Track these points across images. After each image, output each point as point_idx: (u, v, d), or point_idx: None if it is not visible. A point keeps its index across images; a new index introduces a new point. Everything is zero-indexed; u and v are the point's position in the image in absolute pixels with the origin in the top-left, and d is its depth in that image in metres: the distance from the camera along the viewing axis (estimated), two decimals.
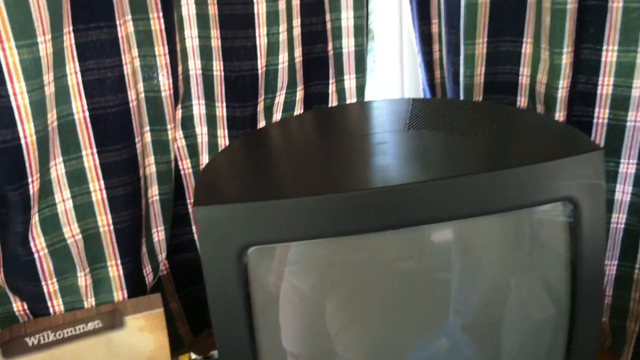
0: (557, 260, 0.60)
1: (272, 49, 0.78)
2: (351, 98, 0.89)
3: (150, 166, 0.75)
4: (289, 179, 0.57)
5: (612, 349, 0.82)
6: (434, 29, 0.91)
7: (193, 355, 0.73)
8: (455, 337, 0.63)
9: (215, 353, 0.74)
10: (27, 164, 0.62)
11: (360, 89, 0.90)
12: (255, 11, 0.75)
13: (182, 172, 0.82)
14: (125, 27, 0.67)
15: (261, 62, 0.78)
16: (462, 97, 0.83)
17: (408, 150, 0.61)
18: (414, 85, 1.04)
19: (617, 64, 0.72)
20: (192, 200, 0.84)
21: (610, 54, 0.72)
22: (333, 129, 0.70)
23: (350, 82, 0.88)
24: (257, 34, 0.76)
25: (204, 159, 0.82)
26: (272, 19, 0.77)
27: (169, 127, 0.73)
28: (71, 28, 0.64)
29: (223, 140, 0.80)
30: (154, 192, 0.76)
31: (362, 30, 0.86)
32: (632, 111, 0.72)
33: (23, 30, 0.57)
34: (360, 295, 0.59)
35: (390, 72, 1.05)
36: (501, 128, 0.64)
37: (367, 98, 0.92)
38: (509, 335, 0.63)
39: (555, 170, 0.55)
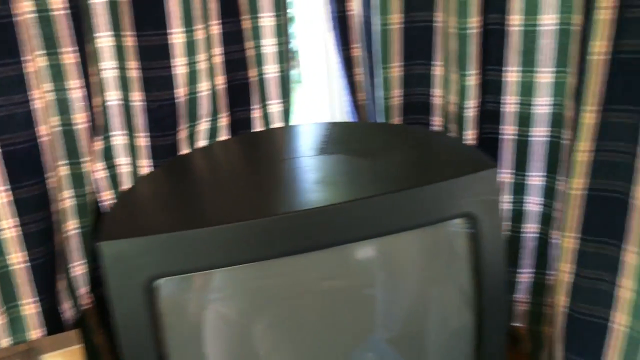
0: (464, 270, 0.63)
1: (193, 77, 0.80)
2: (277, 123, 0.92)
3: (66, 200, 0.75)
4: (200, 207, 0.59)
5: (531, 354, 0.86)
6: (355, 52, 0.95)
7: None
8: (382, 350, 0.65)
9: None
10: None
11: (286, 114, 0.92)
12: (173, 42, 0.77)
13: (103, 204, 0.82)
14: (35, 63, 0.68)
15: (181, 91, 0.80)
16: (382, 118, 0.87)
17: (321, 175, 0.64)
18: (343, 107, 1.08)
19: (518, 84, 0.77)
20: None
21: (512, 75, 0.77)
22: (249, 155, 0.72)
23: (275, 107, 0.91)
24: (176, 64, 0.78)
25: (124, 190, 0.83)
26: (191, 48, 0.79)
27: (85, 159, 0.74)
28: None
29: (145, 170, 0.81)
30: (71, 226, 0.76)
31: (284, 56, 0.89)
32: (535, 127, 0.77)
33: None
34: (287, 317, 0.61)
35: (318, 95, 1.08)
36: (409, 150, 0.68)
37: (295, 122, 0.95)
38: (430, 344, 0.66)
39: (453, 188, 0.59)
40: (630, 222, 0.68)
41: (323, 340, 0.63)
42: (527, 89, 0.76)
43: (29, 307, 0.71)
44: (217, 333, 0.60)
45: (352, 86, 0.97)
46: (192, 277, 0.56)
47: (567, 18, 0.70)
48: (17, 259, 0.70)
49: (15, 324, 0.71)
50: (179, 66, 0.79)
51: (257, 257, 0.56)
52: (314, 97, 1.09)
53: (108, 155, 0.80)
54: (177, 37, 0.78)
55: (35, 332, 0.70)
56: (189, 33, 0.79)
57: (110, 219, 0.57)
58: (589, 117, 0.66)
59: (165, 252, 0.53)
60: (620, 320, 0.72)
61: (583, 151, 0.68)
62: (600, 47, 0.63)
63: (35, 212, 0.69)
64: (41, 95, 0.69)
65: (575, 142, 0.68)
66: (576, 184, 0.69)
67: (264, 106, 0.91)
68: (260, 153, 0.73)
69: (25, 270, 0.70)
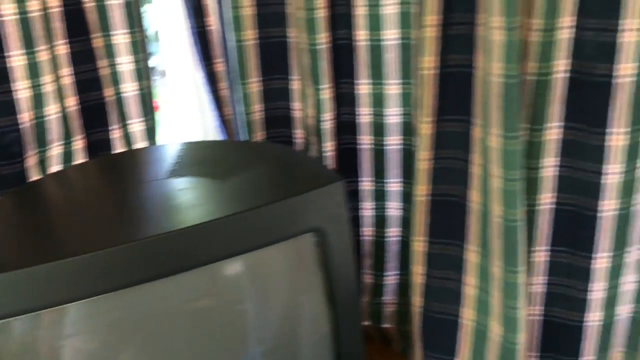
0: (317, 281, 0.66)
1: (38, 100, 0.77)
2: (140, 142, 0.91)
3: None
4: (47, 239, 0.57)
5: (402, 353, 0.92)
6: (219, 67, 0.96)
7: None
8: None
9: None
10: None
11: (150, 132, 0.91)
12: (13, 65, 0.74)
13: None
14: None
15: (26, 116, 0.77)
16: (245, 133, 0.89)
17: (175, 198, 0.64)
18: (212, 123, 1.08)
19: (370, 96, 0.82)
20: None
21: (364, 87, 0.82)
22: (103, 180, 0.71)
23: (136, 127, 0.90)
24: (17, 88, 0.75)
25: None
26: (34, 70, 0.76)
27: None
28: None
29: None
30: None
31: (143, 74, 0.88)
32: (389, 136, 0.83)
33: None
34: (154, 344, 0.60)
35: (187, 112, 1.08)
36: (260, 168, 0.70)
37: (162, 140, 0.94)
38: (297, 354, 0.69)
39: (300, 203, 0.62)
40: (469, 223, 0.75)
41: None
42: (378, 100, 0.81)
43: None
44: None
45: (218, 101, 0.98)
46: (41, 316, 0.54)
47: (406, 33, 0.76)
48: None
49: None
50: (21, 90, 0.76)
51: (110, 288, 0.55)
52: (183, 114, 1.08)
53: None
54: (16, 59, 0.75)
55: None
56: (31, 55, 0.76)
57: None
58: (426, 128, 0.72)
59: (9, 291, 0.51)
60: (468, 316, 0.79)
61: (424, 160, 0.74)
62: (429, 62, 0.69)
63: None
64: None
65: (418, 151, 0.74)
66: (420, 190, 0.75)
67: (124, 126, 0.89)
68: (114, 177, 0.72)
69: None
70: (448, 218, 0.75)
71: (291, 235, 0.62)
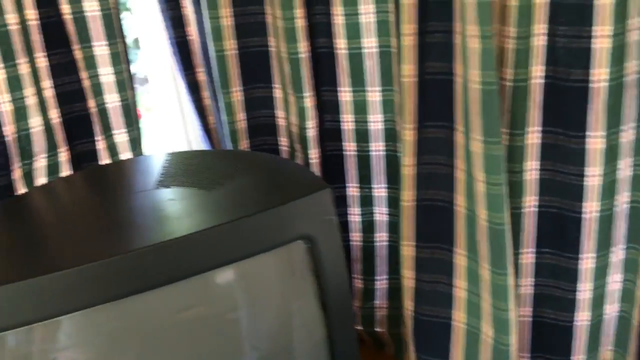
0: (309, 287, 0.68)
1: (20, 114, 0.78)
2: (125, 153, 0.92)
3: None
4: (36, 253, 0.58)
5: (395, 357, 0.94)
6: (201, 76, 0.97)
7: None
8: None
9: None
10: None
11: (134, 143, 0.93)
12: None
13: None
14: None
15: (9, 129, 0.78)
16: (229, 142, 0.90)
17: (163, 209, 0.66)
18: (196, 132, 1.10)
19: (352, 103, 0.83)
20: None
21: (346, 94, 0.84)
22: (90, 192, 0.72)
23: (121, 137, 0.91)
24: None
25: None
26: (14, 84, 0.77)
27: None
28: None
29: None
30: None
31: (126, 84, 0.89)
32: (372, 142, 0.85)
33: None
34: (150, 353, 0.62)
35: (171, 121, 1.09)
36: (248, 177, 0.72)
37: (146, 150, 0.95)
38: (297, 359, 0.70)
39: (288, 211, 0.64)
40: (456, 227, 0.77)
41: None
42: (360, 107, 0.83)
43: None
44: None
45: (201, 110, 0.99)
46: (34, 329, 0.56)
47: (385, 41, 0.78)
48: None
49: None
50: (4, 103, 0.77)
51: (101, 300, 0.57)
52: (166, 124, 1.10)
53: None
54: None
55: None
56: (10, 68, 0.77)
57: None
58: (409, 134, 0.74)
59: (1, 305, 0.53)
60: (459, 318, 0.81)
61: (408, 165, 0.76)
62: (409, 70, 0.71)
63: None
64: None
65: (402, 157, 0.76)
66: (406, 196, 0.77)
67: (108, 136, 0.91)
68: (101, 189, 0.73)
69: None
70: (435, 222, 0.77)
71: (281, 243, 0.63)
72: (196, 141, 1.08)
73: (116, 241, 0.60)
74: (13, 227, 0.65)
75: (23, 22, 0.78)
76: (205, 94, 0.98)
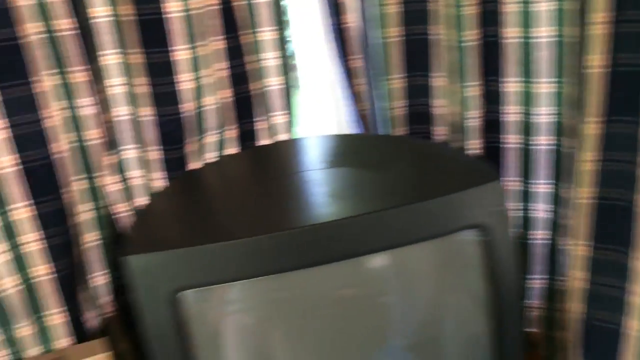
0: (477, 279, 0.69)
1: (199, 92, 0.86)
2: (282, 134, 0.97)
3: (83, 214, 0.81)
4: (220, 221, 0.64)
5: (549, 358, 0.92)
6: (357, 63, 1.01)
7: None
8: (400, 358, 0.71)
9: None
10: None
11: (290, 125, 0.98)
12: (177, 59, 0.83)
13: (118, 216, 0.87)
14: (44, 83, 0.74)
15: (188, 105, 0.86)
16: (386, 129, 0.93)
17: (331, 188, 0.70)
18: (345, 118, 1.14)
19: (519, 94, 0.83)
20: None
21: (513, 85, 0.83)
22: (260, 169, 0.78)
23: (279, 119, 0.97)
24: (181, 80, 0.84)
25: (138, 203, 0.88)
26: (196, 64, 0.85)
27: (99, 174, 0.80)
28: None
29: (157, 183, 0.86)
30: (89, 238, 0.82)
31: (285, 69, 0.95)
32: (539, 136, 0.84)
33: None
34: (305, 326, 0.66)
35: (320, 106, 1.14)
36: (414, 162, 0.74)
37: (299, 133, 1.01)
38: (448, 351, 0.72)
39: (461, 200, 0.65)
40: (636, 230, 0.74)
41: (340, 348, 0.68)
42: (527, 99, 0.83)
43: (56, 317, 0.76)
44: (238, 342, 0.65)
45: (354, 96, 1.03)
46: (212, 289, 0.62)
47: (561, 31, 0.77)
48: (43, 271, 0.75)
49: (44, 334, 0.76)
50: (185, 82, 0.85)
51: (273, 270, 0.61)
52: (316, 108, 1.15)
53: (121, 169, 0.86)
54: (181, 54, 0.84)
55: (62, 341, 0.76)
56: (193, 49, 0.84)
57: (133, 233, 0.62)
58: (592, 128, 0.72)
59: (187, 265, 0.59)
60: (632, 326, 0.77)
61: (588, 161, 0.73)
62: (597, 60, 0.69)
63: (58, 225, 0.75)
64: (51, 114, 0.74)
65: (580, 152, 0.74)
66: (583, 193, 0.75)
67: (268, 118, 0.97)
68: (269, 167, 0.78)
69: (50, 282, 0.75)
70: (614, 223, 0.75)
71: (451, 231, 0.65)
72: (345, 127, 1.13)
73: (290, 216, 0.64)
74: (194, 198, 0.71)
75: (203, 7, 0.86)
76: (360, 80, 1.01)
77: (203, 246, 0.58)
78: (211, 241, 0.59)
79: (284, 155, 0.82)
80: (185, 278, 0.59)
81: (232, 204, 0.68)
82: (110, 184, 0.86)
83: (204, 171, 0.79)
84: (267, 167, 0.78)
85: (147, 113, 0.83)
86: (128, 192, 0.87)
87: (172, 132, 0.85)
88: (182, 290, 0.59)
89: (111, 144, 0.84)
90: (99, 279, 0.84)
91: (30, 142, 0.73)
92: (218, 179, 0.77)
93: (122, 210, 0.88)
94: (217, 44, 0.89)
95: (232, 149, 0.93)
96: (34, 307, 0.76)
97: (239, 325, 0.65)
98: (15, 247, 0.74)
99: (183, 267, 0.58)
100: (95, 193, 0.81)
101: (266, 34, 0.92)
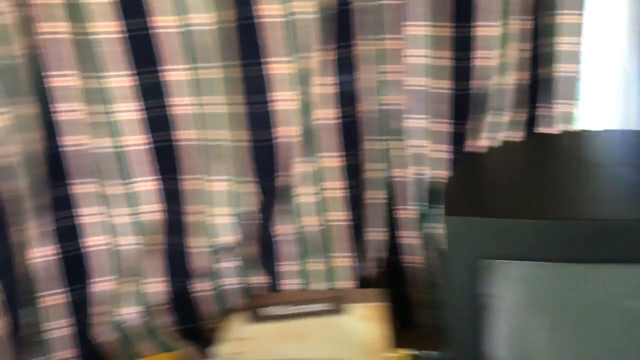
0: None
1: (500, 69, 0.88)
2: (563, 124, 0.96)
3: (369, 172, 0.90)
4: (532, 199, 0.66)
5: None
6: None
7: (408, 351, 0.81)
8: None
9: (419, 354, 0.85)
10: (278, 160, 0.79)
11: (573, 115, 0.96)
12: (481, 34, 0.86)
13: (399, 179, 0.95)
14: (356, 48, 0.83)
15: (483, 82, 0.89)
16: None
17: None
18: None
19: None
20: (403, 207, 0.96)
21: None
22: (560, 157, 0.78)
23: (561, 108, 0.96)
24: (480, 56, 0.87)
25: (425, 170, 0.95)
26: (497, 41, 0.87)
27: (385, 137, 0.89)
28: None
29: (437, 155, 0.92)
30: (372, 195, 0.91)
31: (578, 56, 0.93)
32: None
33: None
34: (586, 325, 0.66)
35: (605, 99, 1.10)
36: None
37: (580, 124, 0.98)
38: None
39: None
40: None
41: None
42: None
43: (343, 260, 0.87)
44: (526, 324, 0.67)
45: None
46: (521, 265, 0.64)
47: None
48: (340, 217, 0.86)
49: (331, 273, 0.88)
50: (485, 59, 0.88)
51: (577, 259, 0.61)
52: (600, 100, 1.10)
53: (410, 135, 0.93)
54: (487, 30, 0.87)
55: (345, 283, 0.86)
56: (503, 26, 0.87)
57: (450, 196, 0.68)
58: None
59: (502, 235, 0.62)
60: None
61: None
62: None
63: (353, 178, 0.85)
64: (364, 77, 0.82)
65: None
66: None
67: (555, 105, 0.96)
68: (575, 155, 0.78)
69: (344, 228, 0.86)
70: None
71: None
72: (634, 123, 1.07)
73: (608, 207, 0.63)
74: (511, 171, 0.74)
75: None
76: None
77: (518, 220, 0.61)
78: (527, 217, 0.61)
79: (585, 146, 0.81)
80: (496, 248, 0.62)
81: (540, 185, 0.69)
82: (395, 148, 0.94)
83: (502, 150, 0.81)
84: (567, 156, 0.78)
85: (444, 86, 0.88)
86: (419, 159, 0.93)
87: (462, 106, 0.89)
88: (491, 259, 0.63)
89: (405, 111, 0.91)
90: (378, 234, 0.93)
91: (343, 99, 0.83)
92: (519, 159, 0.79)
93: (403, 175, 0.95)
94: (524, 23, 0.90)
95: (513, 133, 0.94)
96: (328, 247, 0.88)
97: (532, 307, 0.66)
98: (319, 192, 0.86)
99: (494, 236, 0.62)
100: (380, 155, 0.90)
101: (566, 17, 0.91)
